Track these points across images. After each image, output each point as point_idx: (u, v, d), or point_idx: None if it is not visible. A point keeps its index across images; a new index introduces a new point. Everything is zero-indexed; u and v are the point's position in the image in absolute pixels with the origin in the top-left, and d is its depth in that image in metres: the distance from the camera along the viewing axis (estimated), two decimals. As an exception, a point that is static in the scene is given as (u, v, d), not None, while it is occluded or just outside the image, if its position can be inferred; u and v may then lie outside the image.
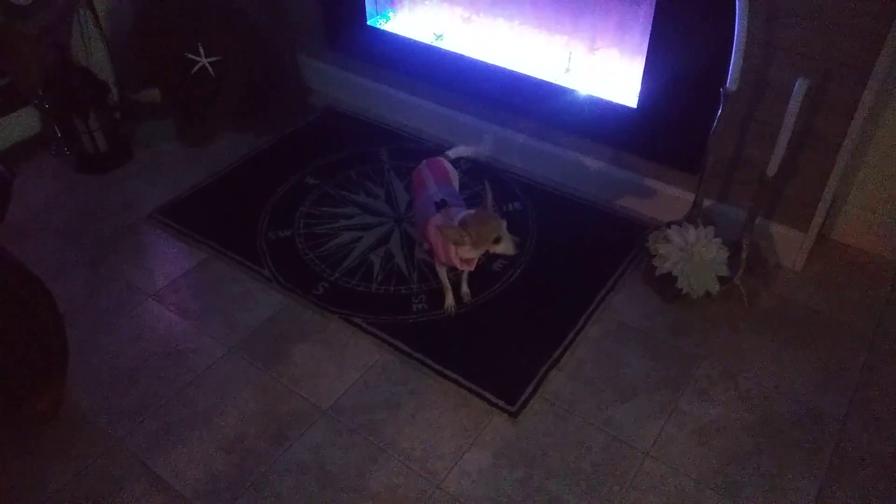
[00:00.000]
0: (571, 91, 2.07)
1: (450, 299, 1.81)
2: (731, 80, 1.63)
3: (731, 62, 1.61)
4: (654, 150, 2.01)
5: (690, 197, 1.97)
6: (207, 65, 2.32)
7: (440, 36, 2.32)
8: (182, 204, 2.22)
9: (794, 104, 1.57)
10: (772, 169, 1.70)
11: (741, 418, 1.57)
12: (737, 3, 1.54)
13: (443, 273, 1.78)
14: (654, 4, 1.79)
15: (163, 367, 1.71)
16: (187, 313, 1.85)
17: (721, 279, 1.80)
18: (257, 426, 1.58)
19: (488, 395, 1.62)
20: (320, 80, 2.67)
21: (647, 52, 1.87)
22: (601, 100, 2.03)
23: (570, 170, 2.21)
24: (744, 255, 1.82)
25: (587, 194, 2.20)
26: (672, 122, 1.92)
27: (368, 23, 2.41)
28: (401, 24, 2.42)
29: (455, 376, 1.67)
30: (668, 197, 2.04)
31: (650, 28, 1.83)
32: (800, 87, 1.54)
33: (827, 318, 1.80)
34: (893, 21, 1.50)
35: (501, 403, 1.61)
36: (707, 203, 1.96)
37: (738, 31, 1.57)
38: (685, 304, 1.84)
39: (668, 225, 1.87)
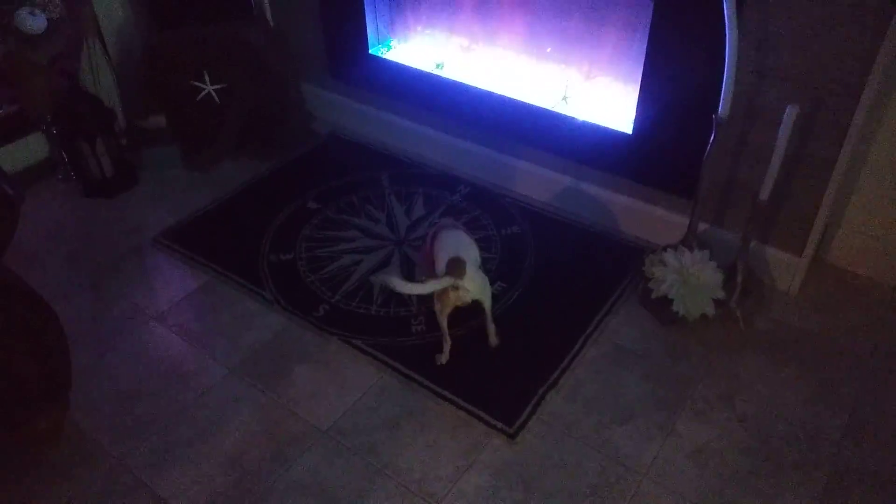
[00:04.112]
0: (568, 118, 2.11)
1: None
2: (723, 107, 1.67)
3: (723, 89, 1.65)
4: (650, 174, 2.04)
5: (686, 221, 1.99)
6: (212, 92, 2.37)
7: (441, 64, 2.37)
8: (186, 228, 2.25)
9: (785, 130, 1.61)
10: (765, 193, 1.74)
11: (738, 440, 1.58)
12: (727, 31, 1.58)
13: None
14: (647, 33, 1.84)
15: (164, 387, 1.73)
16: (189, 335, 1.87)
17: (717, 302, 1.83)
18: (257, 446, 1.59)
19: (487, 417, 1.63)
20: (323, 107, 2.73)
21: (642, 79, 1.91)
22: (597, 126, 2.07)
23: (568, 194, 2.25)
24: (739, 279, 1.85)
25: (584, 218, 2.24)
26: (666, 148, 1.95)
27: (370, 52, 2.47)
28: (402, 52, 2.48)
29: (454, 398, 1.68)
30: (663, 221, 2.07)
31: (644, 56, 1.88)
32: (790, 113, 1.58)
33: (823, 340, 1.82)
34: (881, 47, 1.54)
35: (500, 425, 1.62)
36: (702, 227, 1.99)
37: (728, 59, 1.61)
38: (681, 326, 1.86)
39: (664, 248, 1.90)
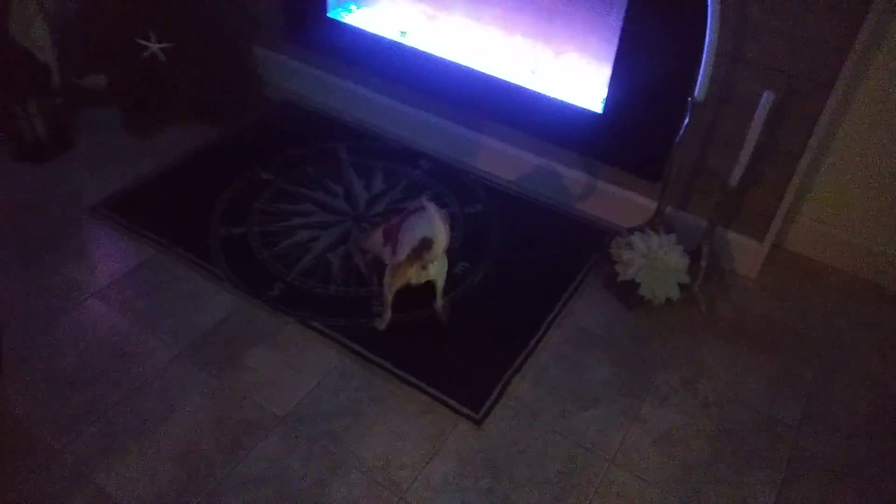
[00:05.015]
0: (536, 94, 2.05)
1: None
2: (700, 90, 1.64)
3: (700, 72, 1.62)
4: (618, 156, 2.01)
5: (650, 203, 1.98)
6: (158, 51, 2.20)
7: (404, 32, 2.27)
8: (128, 197, 2.10)
9: (760, 117, 1.59)
10: (734, 179, 1.73)
11: (701, 426, 1.59)
12: (709, 15, 1.54)
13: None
14: (623, 12, 1.79)
15: (106, 371, 1.61)
16: (133, 313, 1.75)
17: (680, 286, 1.82)
18: (210, 436, 1.50)
19: (452, 403, 1.59)
20: (276, 71, 2.58)
21: (615, 58, 1.86)
22: (566, 104, 2.01)
23: (533, 173, 2.20)
24: (704, 263, 1.84)
25: (548, 197, 2.19)
26: (636, 130, 1.92)
27: (329, 14, 2.34)
28: (363, 17, 2.36)
29: (418, 382, 1.63)
30: (628, 203, 2.05)
31: (619, 35, 1.83)
32: (766, 100, 1.57)
33: (781, 326, 1.84)
34: (856, 37, 1.53)
35: (466, 411, 1.57)
36: (666, 210, 1.97)
37: (708, 42, 1.58)
38: (645, 310, 1.85)
39: (631, 231, 1.88)
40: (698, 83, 1.64)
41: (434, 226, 1.58)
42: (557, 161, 2.15)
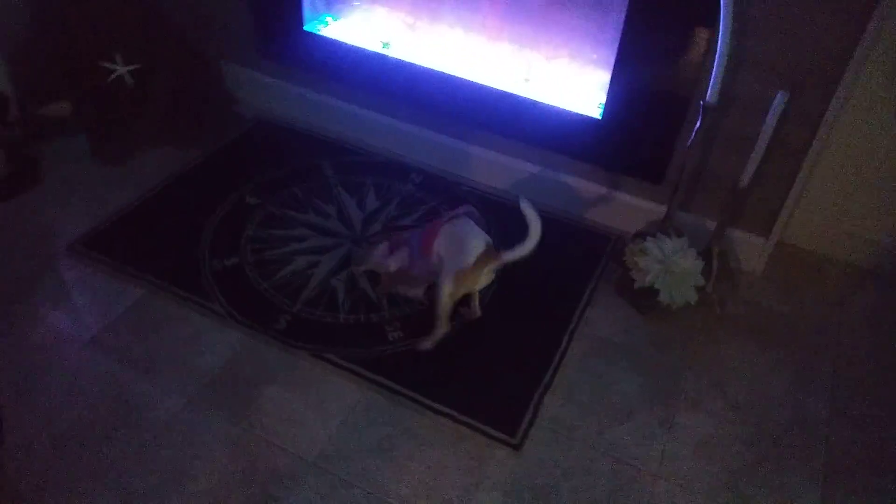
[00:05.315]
0: (531, 101, 2.01)
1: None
2: (712, 93, 1.63)
3: (713, 75, 1.61)
4: (620, 161, 1.99)
5: (650, 206, 1.97)
6: (126, 73, 2.06)
7: (387, 44, 2.18)
8: (106, 231, 1.95)
9: (772, 117, 1.59)
10: (745, 180, 1.73)
11: (737, 428, 1.58)
12: (721, 16, 1.53)
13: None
14: (624, 15, 1.76)
15: (112, 426, 1.48)
16: (131, 361, 1.61)
17: (695, 289, 1.81)
18: (237, 488, 1.39)
19: (487, 429, 1.53)
20: (250, 88, 2.45)
21: (615, 62, 1.84)
22: (563, 111, 1.98)
23: (528, 181, 2.15)
24: (715, 264, 1.84)
25: (546, 205, 2.14)
26: (638, 133, 1.90)
27: (305, 28, 2.24)
28: (341, 29, 2.27)
29: (448, 410, 1.56)
30: (628, 207, 2.04)
31: (619, 39, 1.80)
32: (779, 100, 1.56)
33: (793, 320, 1.86)
34: (862, 35, 1.55)
35: (502, 436, 1.52)
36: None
37: (720, 44, 1.56)
38: (660, 315, 1.83)
39: (643, 237, 1.85)
40: (710, 86, 1.62)
41: (480, 232, 1.66)
42: (552, 168, 2.11)
